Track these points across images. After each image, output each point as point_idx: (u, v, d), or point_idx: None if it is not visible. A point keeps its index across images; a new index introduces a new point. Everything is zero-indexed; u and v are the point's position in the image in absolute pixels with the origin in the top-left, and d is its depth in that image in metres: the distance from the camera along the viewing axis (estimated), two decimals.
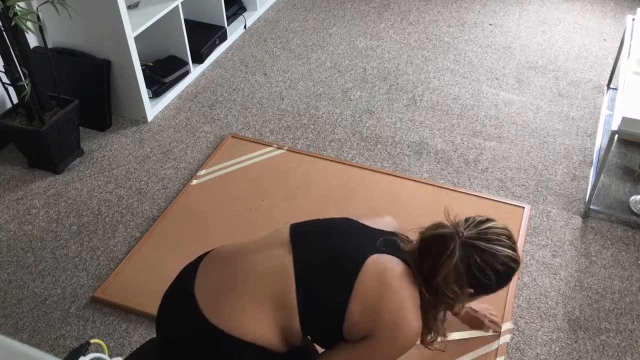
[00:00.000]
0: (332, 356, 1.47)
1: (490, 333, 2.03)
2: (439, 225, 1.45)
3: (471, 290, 1.43)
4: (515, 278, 2.19)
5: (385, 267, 1.43)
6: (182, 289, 1.49)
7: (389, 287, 1.41)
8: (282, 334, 1.42)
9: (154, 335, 2.04)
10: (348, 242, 1.47)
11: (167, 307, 1.51)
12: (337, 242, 1.47)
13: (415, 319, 1.42)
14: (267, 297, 1.41)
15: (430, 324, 1.48)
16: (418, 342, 1.49)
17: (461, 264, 1.39)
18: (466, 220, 1.45)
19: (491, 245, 1.40)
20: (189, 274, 1.52)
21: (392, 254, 1.46)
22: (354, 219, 1.57)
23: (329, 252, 1.45)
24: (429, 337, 1.51)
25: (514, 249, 1.44)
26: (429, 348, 1.53)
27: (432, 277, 1.41)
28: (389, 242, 1.49)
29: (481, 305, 2.01)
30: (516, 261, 1.44)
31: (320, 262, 1.44)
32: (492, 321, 2.02)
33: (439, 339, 1.53)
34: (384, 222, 1.59)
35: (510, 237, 1.45)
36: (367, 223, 1.55)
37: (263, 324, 1.40)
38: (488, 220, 1.45)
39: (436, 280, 1.41)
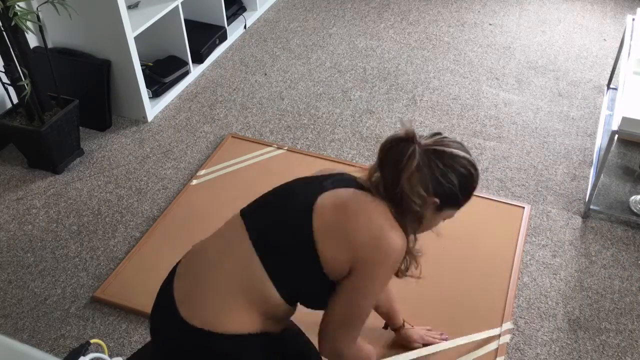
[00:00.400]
0: (333, 304, 1.42)
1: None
2: (394, 135, 1.42)
3: (436, 200, 1.39)
4: (515, 277, 2.21)
5: (339, 197, 1.41)
6: (163, 292, 1.48)
7: (348, 210, 1.38)
8: (265, 314, 1.40)
9: None
10: (294, 197, 1.46)
11: (154, 313, 1.49)
12: (283, 203, 1.46)
13: (391, 227, 1.38)
14: (238, 285, 1.38)
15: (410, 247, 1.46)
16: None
17: (424, 167, 1.37)
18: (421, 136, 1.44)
19: (450, 149, 1.40)
20: (169, 276, 1.51)
21: (346, 187, 1.44)
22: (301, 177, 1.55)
23: (279, 216, 1.43)
24: (402, 265, 1.47)
25: (472, 159, 1.44)
26: (402, 277, 1.51)
27: (395, 183, 1.38)
28: (338, 179, 1.47)
29: (423, 330, 2.03)
30: (475, 167, 1.43)
31: (275, 228, 1.42)
32: (426, 342, 2.01)
33: (413, 267, 1.50)
34: (335, 169, 1.57)
35: (464, 146, 1.45)
36: (312, 174, 1.54)
37: (241, 312, 1.38)
38: (441, 133, 1.45)
39: (400, 186, 1.37)
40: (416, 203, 1.38)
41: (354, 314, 1.42)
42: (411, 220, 1.42)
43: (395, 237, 1.37)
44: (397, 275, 1.48)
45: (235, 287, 1.39)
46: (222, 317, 1.38)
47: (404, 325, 1.98)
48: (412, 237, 1.44)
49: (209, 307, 1.38)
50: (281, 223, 1.42)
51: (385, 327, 2.01)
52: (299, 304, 1.47)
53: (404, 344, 2.01)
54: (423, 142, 1.39)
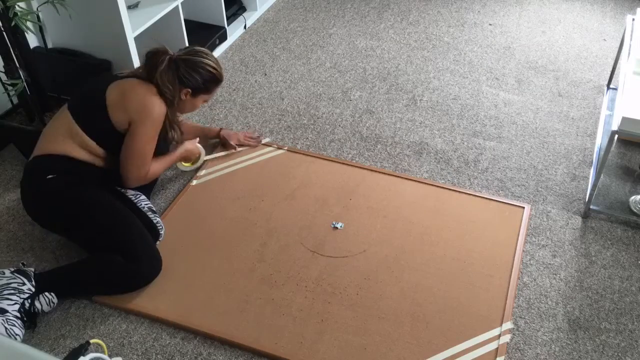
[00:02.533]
0: (123, 149, 2.21)
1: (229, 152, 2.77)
2: (153, 48, 2.24)
3: (188, 90, 2.27)
4: (515, 277, 2.21)
5: (122, 82, 2.21)
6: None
7: (126, 89, 2.18)
8: (83, 148, 2.20)
9: (154, 335, 2.05)
10: (97, 85, 2.24)
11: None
12: (90, 89, 2.25)
13: (152, 97, 2.17)
14: (61, 130, 2.20)
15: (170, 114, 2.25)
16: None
17: (170, 70, 2.20)
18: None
19: (195, 58, 2.26)
20: None
21: (127, 77, 2.23)
22: None
23: (86, 98, 2.24)
24: (170, 134, 2.30)
25: (216, 65, 2.31)
26: (171, 141, 2.36)
27: (152, 77, 2.19)
28: (123, 75, 2.25)
29: (241, 133, 2.84)
30: (216, 69, 2.30)
31: (83, 103, 2.23)
32: (242, 144, 2.81)
33: (173, 132, 2.31)
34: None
35: (210, 58, 2.32)
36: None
37: (66, 143, 2.18)
38: (196, 49, 2.32)
39: (155, 79, 2.19)
40: (168, 91, 2.21)
41: (134, 154, 2.20)
42: (167, 100, 2.22)
43: (154, 103, 2.17)
44: (165, 138, 2.30)
45: (62, 131, 2.20)
46: (51, 145, 2.19)
47: (220, 132, 2.78)
48: (172, 109, 2.26)
49: (45, 141, 2.22)
50: (88, 100, 2.23)
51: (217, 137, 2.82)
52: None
53: (224, 143, 2.78)
54: (176, 54, 2.26)
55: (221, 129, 2.80)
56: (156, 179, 2.52)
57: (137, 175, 2.25)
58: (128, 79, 2.23)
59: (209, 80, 2.31)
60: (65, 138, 2.19)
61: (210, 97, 2.39)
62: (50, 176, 2.15)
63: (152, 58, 2.23)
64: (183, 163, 2.67)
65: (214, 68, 2.30)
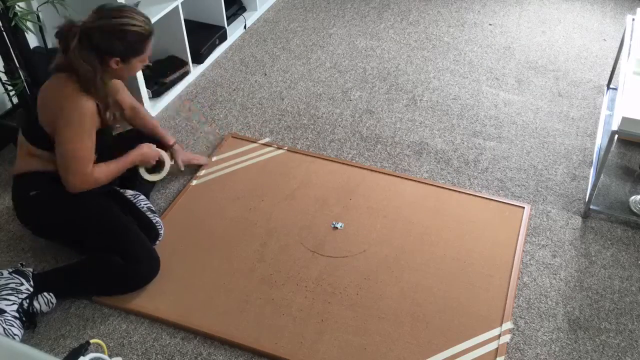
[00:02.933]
0: (56, 154, 2.07)
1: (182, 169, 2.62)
2: (60, 26, 1.98)
3: (116, 59, 2.01)
4: (515, 277, 2.21)
5: (45, 85, 2.07)
6: None
7: (47, 93, 2.05)
8: (44, 159, 2.11)
9: (154, 335, 2.05)
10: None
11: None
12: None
13: (69, 97, 1.98)
14: (22, 149, 2.17)
15: (98, 97, 2.03)
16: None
17: (83, 44, 1.95)
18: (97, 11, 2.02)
19: (108, 22, 1.96)
20: None
21: (55, 72, 2.06)
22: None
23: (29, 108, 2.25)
24: (107, 115, 2.08)
25: (135, 20, 1.99)
26: (111, 124, 2.15)
27: (68, 59, 1.96)
28: (53, 65, 2.06)
29: (194, 156, 2.69)
30: (136, 25, 1.98)
31: (26, 114, 2.32)
32: (188, 163, 2.64)
33: (109, 114, 2.09)
34: None
35: (132, 15, 1.99)
36: None
37: (27, 161, 2.14)
38: (113, 10, 1.99)
39: (69, 58, 1.96)
40: (89, 70, 1.96)
41: (70, 155, 2.04)
42: (90, 81, 1.98)
43: (72, 104, 1.98)
44: (102, 124, 2.10)
45: (22, 153, 2.16)
46: (17, 165, 2.18)
47: (173, 145, 2.57)
48: (98, 84, 2.01)
49: (16, 159, 2.20)
50: (27, 111, 2.29)
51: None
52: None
53: (175, 159, 2.58)
54: (85, 23, 1.97)
55: (174, 142, 2.59)
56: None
57: (80, 180, 2.09)
58: (51, 78, 2.07)
59: (135, 42, 2.02)
60: (25, 156, 2.15)
61: (146, 55, 2.10)
62: (32, 192, 2.14)
63: (63, 39, 1.98)
64: (145, 172, 2.43)
65: (133, 25, 1.99)
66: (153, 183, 2.55)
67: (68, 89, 1.99)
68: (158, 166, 2.48)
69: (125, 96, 2.42)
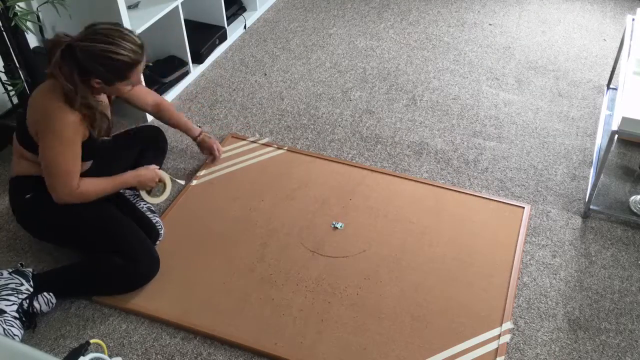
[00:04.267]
0: (40, 156, 2.03)
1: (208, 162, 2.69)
2: (49, 40, 1.94)
3: (98, 80, 1.96)
4: (514, 277, 2.21)
5: (34, 94, 2.02)
6: None
7: (33, 102, 2.01)
8: (29, 161, 2.10)
9: (154, 335, 2.05)
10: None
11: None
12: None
13: (52, 108, 1.94)
14: (16, 152, 2.14)
15: (80, 111, 1.96)
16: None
17: (65, 61, 1.89)
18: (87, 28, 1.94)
19: (93, 46, 1.89)
20: None
21: (44, 81, 2.03)
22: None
23: (22, 116, 2.06)
24: (96, 131, 2.04)
25: (121, 48, 1.91)
26: (98, 136, 2.07)
27: (51, 72, 1.93)
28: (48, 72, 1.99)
29: (219, 146, 2.71)
30: (122, 53, 1.90)
31: (19, 123, 2.09)
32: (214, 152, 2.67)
33: (102, 130, 2.06)
34: None
35: (114, 40, 1.91)
36: None
37: (21, 164, 2.12)
38: (93, 26, 1.93)
39: (49, 70, 1.93)
40: (68, 85, 1.91)
41: (51, 166, 2.01)
42: (68, 95, 1.93)
43: (54, 115, 1.93)
44: (95, 134, 2.05)
45: (16, 156, 2.14)
46: (14, 168, 2.16)
47: (199, 136, 2.63)
48: (89, 101, 1.97)
49: (12, 163, 2.17)
50: (20, 115, 2.09)
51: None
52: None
53: (204, 148, 2.67)
54: (76, 37, 1.91)
55: (201, 132, 2.66)
56: None
57: (66, 192, 2.05)
58: (37, 88, 2.03)
59: (119, 69, 1.95)
60: (19, 158, 2.14)
61: (133, 80, 2.03)
62: (28, 195, 2.13)
63: (48, 51, 1.93)
64: (146, 193, 2.35)
65: (118, 54, 1.91)
66: None
67: (53, 96, 1.95)
68: (160, 186, 2.40)
69: (145, 94, 2.48)
